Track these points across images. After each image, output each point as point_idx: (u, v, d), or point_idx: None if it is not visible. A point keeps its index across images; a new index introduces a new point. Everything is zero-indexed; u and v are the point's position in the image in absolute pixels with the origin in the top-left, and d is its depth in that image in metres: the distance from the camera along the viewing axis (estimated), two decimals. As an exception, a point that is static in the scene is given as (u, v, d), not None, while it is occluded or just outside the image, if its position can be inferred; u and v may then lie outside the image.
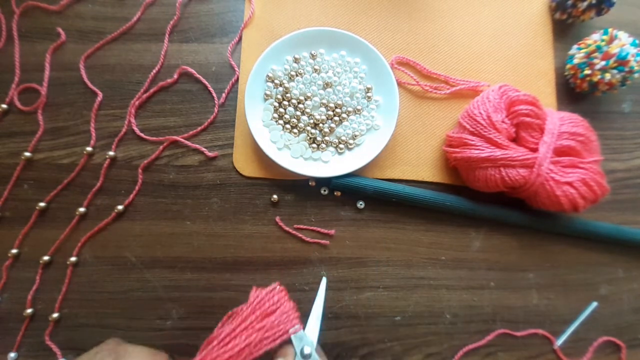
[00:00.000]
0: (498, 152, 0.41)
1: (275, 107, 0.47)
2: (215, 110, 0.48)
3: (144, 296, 0.45)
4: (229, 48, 0.49)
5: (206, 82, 0.48)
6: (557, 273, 0.47)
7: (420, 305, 0.46)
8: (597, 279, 0.47)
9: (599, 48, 0.45)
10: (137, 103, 0.48)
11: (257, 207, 0.47)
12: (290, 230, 0.46)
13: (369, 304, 0.45)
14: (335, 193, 0.47)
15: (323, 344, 0.44)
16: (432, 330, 0.45)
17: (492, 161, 0.41)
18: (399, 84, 0.49)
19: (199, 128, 0.47)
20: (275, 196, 0.46)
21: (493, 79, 0.49)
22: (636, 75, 0.44)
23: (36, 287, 0.44)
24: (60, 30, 0.49)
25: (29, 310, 0.44)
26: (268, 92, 0.47)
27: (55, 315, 0.44)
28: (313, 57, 0.48)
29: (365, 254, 0.46)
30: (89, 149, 0.46)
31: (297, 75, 0.48)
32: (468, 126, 0.43)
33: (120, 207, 0.46)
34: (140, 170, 0.46)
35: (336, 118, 0.47)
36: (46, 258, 0.45)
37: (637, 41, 0.44)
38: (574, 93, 0.50)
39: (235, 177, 0.47)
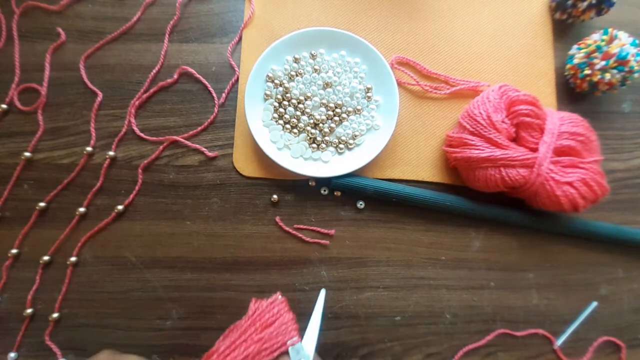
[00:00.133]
0: (498, 152, 0.41)
1: (275, 107, 0.47)
2: (215, 110, 0.48)
3: (144, 296, 0.45)
4: (229, 48, 0.49)
5: (206, 82, 0.48)
6: (557, 273, 0.47)
7: (420, 305, 0.46)
8: (597, 279, 0.47)
9: (599, 48, 0.45)
10: (137, 103, 0.48)
11: (257, 207, 0.47)
12: (290, 230, 0.46)
13: (369, 304, 0.45)
14: (335, 193, 0.47)
15: (323, 343, 0.44)
16: (432, 330, 0.45)
17: (492, 161, 0.41)
18: (399, 84, 0.49)
19: (199, 128, 0.47)
20: (275, 196, 0.46)
21: (493, 79, 0.49)
22: (636, 75, 0.44)
23: (36, 287, 0.44)
24: (60, 30, 0.49)
25: (29, 310, 0.44)
26: (268, 92, 0.47)
27: (55, 315, 0.44)
28: (313, 57, 0.48)
29: (365, 254, 0.46)
30: (89, 149, 0.46)
31: (297, 75, 0.48)
32: (468, 126, 0.43)
33: (120, 207, 0.46)
34: (140, 170, 0.46)
35: (336, 118, 0.47)
36: (46, 258, 0.45)
37: (637, 41, 0.44)
38: (574, 93, 0.50)
39: (235, 177, 0.47)
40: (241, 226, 0.46)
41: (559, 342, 0.45)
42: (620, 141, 0.50)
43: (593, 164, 0.42)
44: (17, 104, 0.47)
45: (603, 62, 0.45)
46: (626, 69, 0.44)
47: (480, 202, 0.46)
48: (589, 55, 0.46)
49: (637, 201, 0.49)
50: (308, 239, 0.46)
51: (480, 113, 0.43)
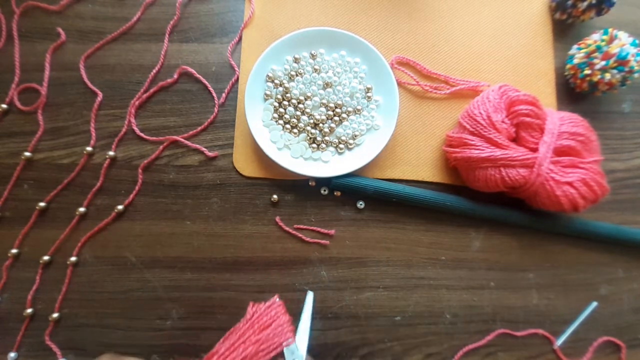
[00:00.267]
0: (498, 152, 0.41)
1: (275, 107, 0.47)
2: (215, 110, 0.48)
3: (144, 296, 0.45)
4: (229, 48, 0.49)
5: (206, 82, 0.48)
6: (557, 273, 0.47)
7: (420, 305, 0.46)
8: (597, 279, 0.47)
9: (599, 48, 0.45)
10: (137, 103, 0.48)
11: (257, 207, 0.47)
12: (290, 230, 0.46)
13: (369, 304, 0.45)
14: (335, 193, 0.47)
15: (323, 343, 0.44)
16: (432, 330, 0.45)
17: (492, 161, 0.41)
18: (399, 84, 0.49)
19: (199, 128, 0.47)
20: (275, 196, 0.46)
21: (493, 79, 0.49)
22: (636, 75, 0.44)
23: (36, 287, 0.44)
24: (60, 30, 0.49)
25: (29, 310, 0.44)
26: (268, 92, 0.47)
27: (55, 315, 0.44)
28: (313, 57, 0.48)
29: (365, 254, 0.46)
30: (89, 149, 0.46)
31: (297, 75, 0.48)
32: (468, 126, 0.43)
33: (120, 207, 0.46)
34: (140, 170, 0.46)
35: (336, 118, 0.47)
36: (46, 258, 0.45)
37: (637, 41, 0.44)
38: (574, 93, 0.50)
39: (235, 177, 0.47)
40: (241, 226, 0.46)
41: (559, 342, 0.45)
42: (620, 141, 0.50)
43: (593, 164, 0.42)
44: (17, 104, 0.47)
45: (603, 62, 0.45)
46: (626, 69, 0.44)
47: (480, 202, 0.46)
48: (589, 55, 0.46)
49: (637, 201, 0.49)
50: (308, 239, 0.46)
51: (480, 113, 0.43)
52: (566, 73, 0.50)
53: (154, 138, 0.47)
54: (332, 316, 0.45)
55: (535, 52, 0.51)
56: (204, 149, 0.47)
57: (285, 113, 0.47)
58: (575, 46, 0.49)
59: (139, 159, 0.47)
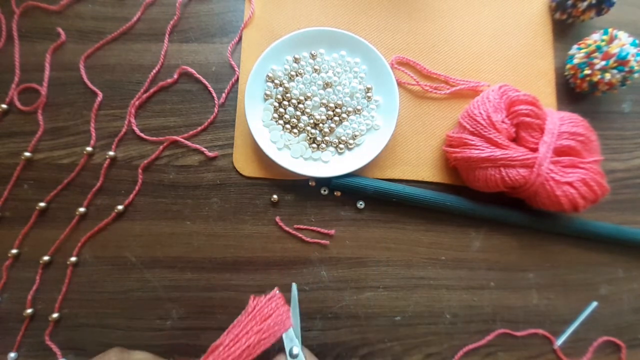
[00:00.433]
0: (498, 152, 0.41)
1: (275, 107, 0.47)
2: (215, 110, 0.48)
3: (144, 296, 0.45)
4: (229, 48, 0.49)
5: (206, 82, 0.48)
6: (557, 273, 0.47)
7: (420, 305, 0.46)
8: (597, 279, 0.47)
9: (599, 48, 0.45)
10: (137, 103, 0.48)
11: (257, 207, 0.47)
12: (290, 230, 0.46)
13: (369, 304, 0.45)
14: (335, 193, 0.47)
15: (323, 343, 0.44)
16: (432, 330, 0.45)
17: (492, 161, 0.41)
18: (399, 84, 0.49)
19: (199, 128, 0.47)
20: (275, 196, 0.46)
21: (493, 79, 0.49)
22: (636, 75, 0.44)
23: (36, 287, 0.44)
24: (60, 30, 0.49)
25: (29, 310, 0.44)
26: (268, 92, 0.47)
27: (55, 315, 0.44)
28: (313, 57, 0.48)
29: (365, 254, 0.46)
30: (89, 149, 0.46)
31: (297, 75, 0.48)
32: (468, 126, 0.43)
33: (120, 207, 0.46)
34: (140, 170, 0.46)
35: (336, 118, 0.47)
36: (46, 258, 0.45)
37: (637, 41, 0.44)
38: (574, 93, 0.50)
39: (235, 177, 0.47)
40: (241, 226, 0.46)
41: (559, 342, 0.45)
42: (620, 141, 0.50)
43: (593, 164, 0.42)
44: (17, 104, 0.47)
45: (603, 62, 0.45)
46: (626, 69, 0.44)
47: (480, 202, 0.46)
48: (589, 55, 0.46)
49: (637, 201, 0.49)
50: (308, 239, 0.46)
51: (480, 113, 0.43)
52: (566, 73, 0.50)
53: (154, 138, 0.47)
54: (332, 316, 0.45)
55: (535, 52, 0.51)
56: (204, 149, 0.47)
57: (285, 113, 0.47)
58: (575, 46, 0.49)
59: (139, 159, 0.47)
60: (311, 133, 0.47)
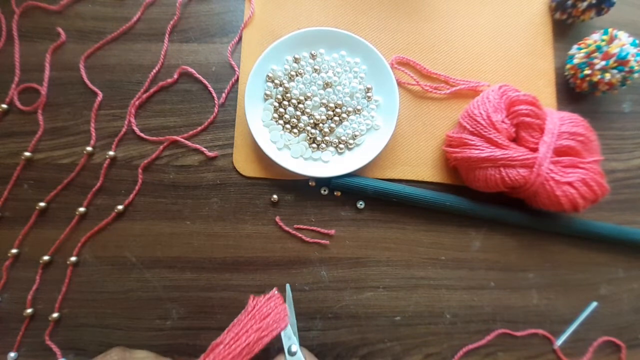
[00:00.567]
0: (498, 152, 0.41)
1: (275, 107, 0.47)
2: (215, 110, 0.48)
3: (144, 296, 0.45)
4: (229, 48, 0.49)
5: (206, 82, 0.48)
6: (557, 273, 0.47)
7: (420, 305, 0.46)
8: (597, 279, 0.47)
9: (599, 48, 0.45)
10: (137, 103, 0.48)
11: (257, 207, 0.47)
12: (290, 230, 0.46)
13: (369, 304, 0.45)
14: (335, 193, 0.47)
15: (323, 343, 0.44)
16: (432, 330, 0.45)
17: (492, 161, 0.41)
18: (399, 84, 0.49)
19: (199, 128, 0.47)
20: (275, 196, 0.46)
21: (493, 79, 0.49)
22: (636, 75, 0.44)
23: (36, 287, 0.44)
24: (60, 30, 0.49)
25: (29, 310, 0.44)
26: (268, 92, 0.47)
27: (55, 315, 0.44)
28: (313, 57, 0.48)
29: (365, 254, 0.46)
30: (89, 149, 0.46)
31: (297, 75, 0.48)
32: (468, 126, 0.43)
33: (120, 207, 0.46)
34: (140, 170, 0.46)
35: (336, 118, 0.47)
36: (46, 258, 0.45)
37: (637, 41, 0.44)
38: (574, 93, 0.50)
39: (235, 177, 0.47)
40: (241, 226, 0.46)
41: (559, 342, 0.45)
42: (620, 141, 0.50)
43: (593, 164, 0.42)
44: (17, 104, 0.47)
45: (603, 62, 0.45)
46: (626, 69, 0.44)
47: (480, 202, 0.46)
48: (589, 55, 0.46)
49: (637, 201, 0.49)
50: (308, 239, 0.46)
51: (480, 113, 0.43)
52: (566, 73, 0.50)
53: (154, 138, 0.47)
54: (332, 316, 0.45)
55: (535, 52, 0.51)
56: (204, 149, 0.47)
57: (285, 113, 0.47)
58: (575, 46, 0.49)
59: (139, 159, 0.47)
60: (311, 133, 0.47)
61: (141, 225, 0.46)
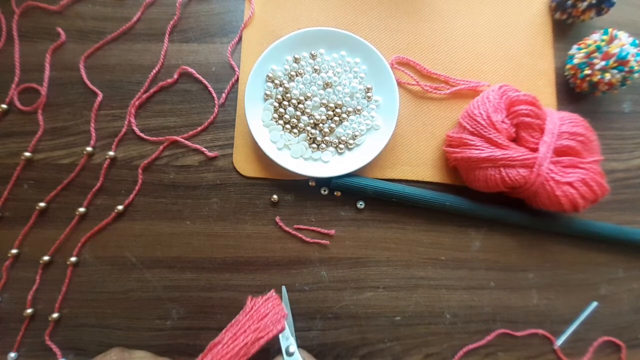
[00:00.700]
0: (498, 152, 0.41)
1: (275, 107, 0.47)
2: (215, 110, 0.48)
3: (144, 296, 0.45)
4: (229, 48, 0.49)
5: (206, 82, 0.48)
6: (557, 273, 0.47)
7: (420, 305, 0.46)
8: (597, 279, 0.47)
9: (599, 48, 0.45)
10: (137, 103, 0.48)
11: (257, 207, 0.47)
12: (290, 230, 0.46)
13: (369, 304, 0.45)
14: (335, 193, 0.47)
15: (323, 343, 0.44)
16: (432, 330, 0.45)
17: (492, 161, 0.41)
18: (399, 84, 0.49)
19: (199, 128, 0.47)
20: (275, 196, 0.46)
21: (493, 79, 0.49)
22: (636, 75, 0.44)
23: (36, 287, 0.44)
24: (60, 30, 0.49)
25: (29, 310, 0.44)
26: (268, 92, 0.47)
27: (55, 315, 0.44)
28: (313, 57, 0.48)
29: (365, 254, 0.46)
30: (89, 149, 0.46)
31: (297, 75, 0.48)
32: (468, 126, 0.43)
33: (120, 207, 0.46)
34: (140, 170, 0.46)
35: (336, 118, 0.47)
36: (46, 258, 0.45)
37: (637, 41, 0.44)
38: (574, 93, 0.50)
39: (235, 177, 0.47)
40: (241, 226, 0.46)
41: (559, 342, 0.45)
42: (620, 141, 0.50)
43: (593, 164, 0.42)
44: (17, 104, 0.47)
45: (603, 62, 0.45)
46: (626, 69, 0.44)
47: (480, 202, 0.46)
48: (589, 55, 0.46)
49: (637, 201, 0.49)
50: (308, 239, 0.46)
51: (480, 113, 0.43)
52: (566, 73, 0.50)
53: (154, 138, 0.47)
54: (332, 316, 0.45)
55: (535, 52, 0.51)
56: (204, 149, 0.47)
57: (285, 113, 0.47)
58: (575, 46, 0.49)
59: (139, 159, 0.47)
60: (311, 133, 0.47)
61: (141, 225, 0.46)
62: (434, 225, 0.47)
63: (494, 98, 0.43)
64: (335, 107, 0.47)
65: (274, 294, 0.40)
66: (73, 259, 0.45)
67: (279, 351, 0.39)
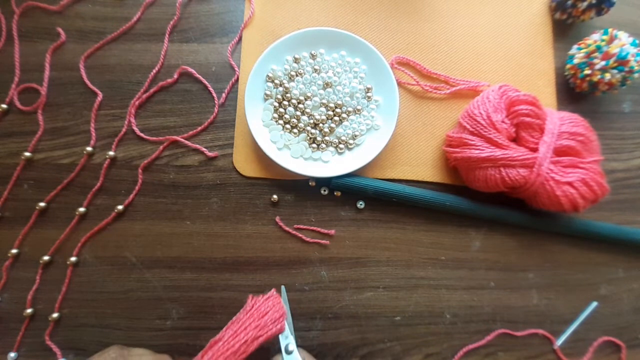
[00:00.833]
0: (498, 152, 0.41)
1: (275, 107, 0.47)
2: (215, 110, 0.48)
3: (144, 296, 0.45)
4: (229, 48, 0.49)
5: (206, 82, 0.48)
6: (557, 273, 0.47)
7: (420, 305, 0.46)
8: (597, 279, 0.47)
9: (599, 48, 0.45)
10: (137, 103, 0.48)
11: (257, 207, 0.47)
12: (290, 230, 0.46)
13: (369, 304, 0.45)
14: (335, 193, 0.47)
15: (323, 343, 0.44)
16: (432, 330, 0.45)
17: (492, 161, 0.41)
18: (399, 84, 0.49)
19: (199, 128, 0.47)
20: (275, 196, 0.46)
21: (493, 79, 0.49)
22: (636, 75, 0.44)
23: (36, 287, 0.44)
24: (60, 30, 0.49)
25: (29, 310, 0.44)
26: (268, 92, 0.47)
27: (55, 315, 0.44)
28: (313, 57, 0.48)
29: (365, 254, 0.46)
30: (89, 149, 0.46)
31: (297, 75, 0.48)
32: (468, 126, 0.43)
33: (120, 207, 0.46)
34: (140, 170, 0.46)
35: (336, 118, 0.47)
36: (46, 258, 0.45)
37: (637, 41, 0.44)
38: (574, 93, 0.50)
39: (235, 177, 0.47)
40: (241, 226, 0.46)
41: (559, 342, 0.45)
42: (620, 141, 0.50)
43: (593, 164, 0.42)
44: (17, 104, 0.47)
45: (603, 62, 0.45)
46: (626, 69, 0.44)
47: (480, 202, 0.46)
48: (589, 55, 0.46)
49: (637, 201, 0.49)
50: (308, 239, 0.46)
51: (480, 113, 0.43)
52: (566, 73, 0.50)
53: (154, 138, 0.47)
54: (332, 316, 0.45)
55: (535, 52, 0.51)
56: (204, 149, 0.47)
57: (285, 113, 0.47)
58: (575, 46, 0.49)
59: (139, 159, 0.47)
60: (311, 133, 0.47)
61: (141, 225, 0.46)
62: (434, 225, 0.47)
63: (494, 98, 0.43)
64: (335, 107, 0.47)
65: (274, 292, 0.40)
66: (73, 259, 0.45)
67: (279, 350, 0.39)
